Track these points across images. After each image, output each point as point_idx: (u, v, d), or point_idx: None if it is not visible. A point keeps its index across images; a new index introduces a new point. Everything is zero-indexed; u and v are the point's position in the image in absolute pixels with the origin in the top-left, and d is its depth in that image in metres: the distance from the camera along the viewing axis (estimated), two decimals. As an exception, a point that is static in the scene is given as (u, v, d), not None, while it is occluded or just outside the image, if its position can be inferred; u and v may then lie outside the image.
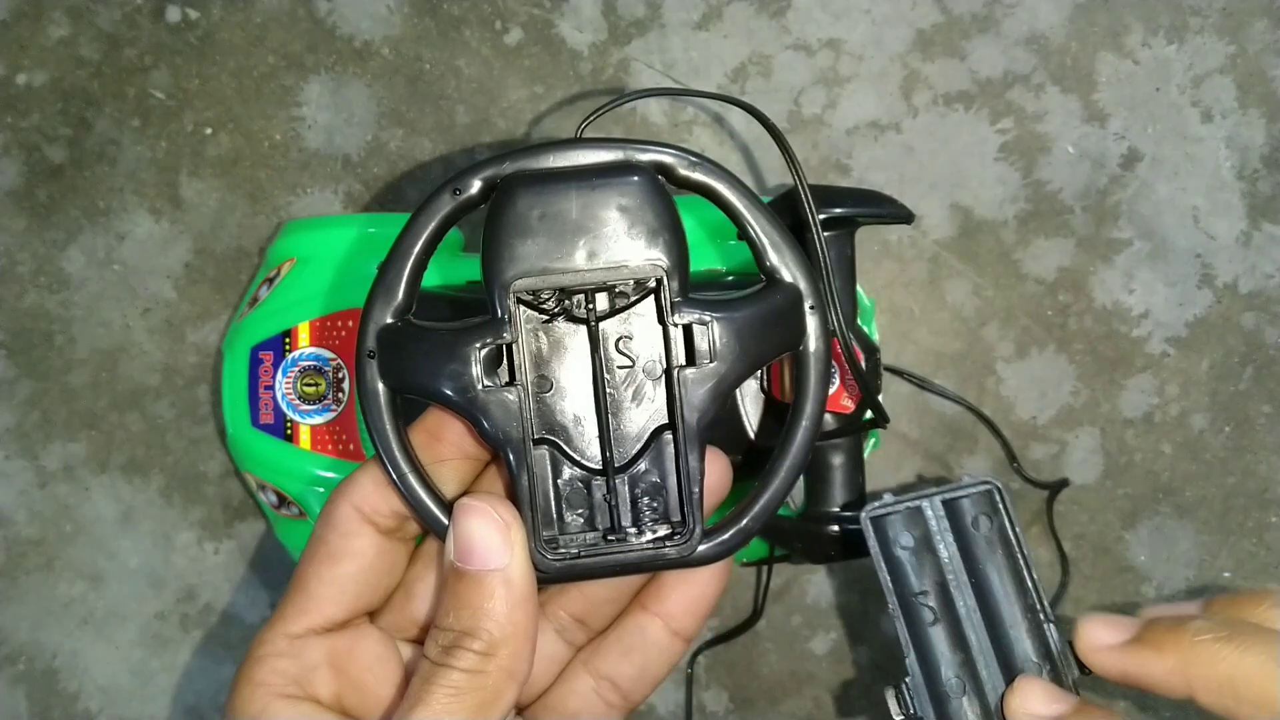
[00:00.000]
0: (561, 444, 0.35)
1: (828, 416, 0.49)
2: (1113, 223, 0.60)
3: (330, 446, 0.53)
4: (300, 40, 0.60)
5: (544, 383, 0.35)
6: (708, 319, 0.34)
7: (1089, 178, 0.60)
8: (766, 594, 0.58)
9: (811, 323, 0.35)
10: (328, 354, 0.53)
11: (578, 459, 0.35)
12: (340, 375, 0.52)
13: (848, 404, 0.49)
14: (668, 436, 0.35)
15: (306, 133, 0.60)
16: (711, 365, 0.34)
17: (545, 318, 0.35)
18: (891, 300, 0.59)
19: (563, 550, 0.34)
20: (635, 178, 0.34)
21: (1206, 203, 0.60)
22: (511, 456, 0.34)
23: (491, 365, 0.34)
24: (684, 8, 0.60)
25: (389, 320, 0.35)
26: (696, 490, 0.34)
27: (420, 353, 0.34)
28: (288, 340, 0.53)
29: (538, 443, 0.34)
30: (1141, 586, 0.61)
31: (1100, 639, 0.36)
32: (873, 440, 0.55)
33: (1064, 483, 0.59)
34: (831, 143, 0.60)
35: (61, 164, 0.60)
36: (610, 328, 0.35)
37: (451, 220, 0.35)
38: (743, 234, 0.36)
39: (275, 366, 0.53)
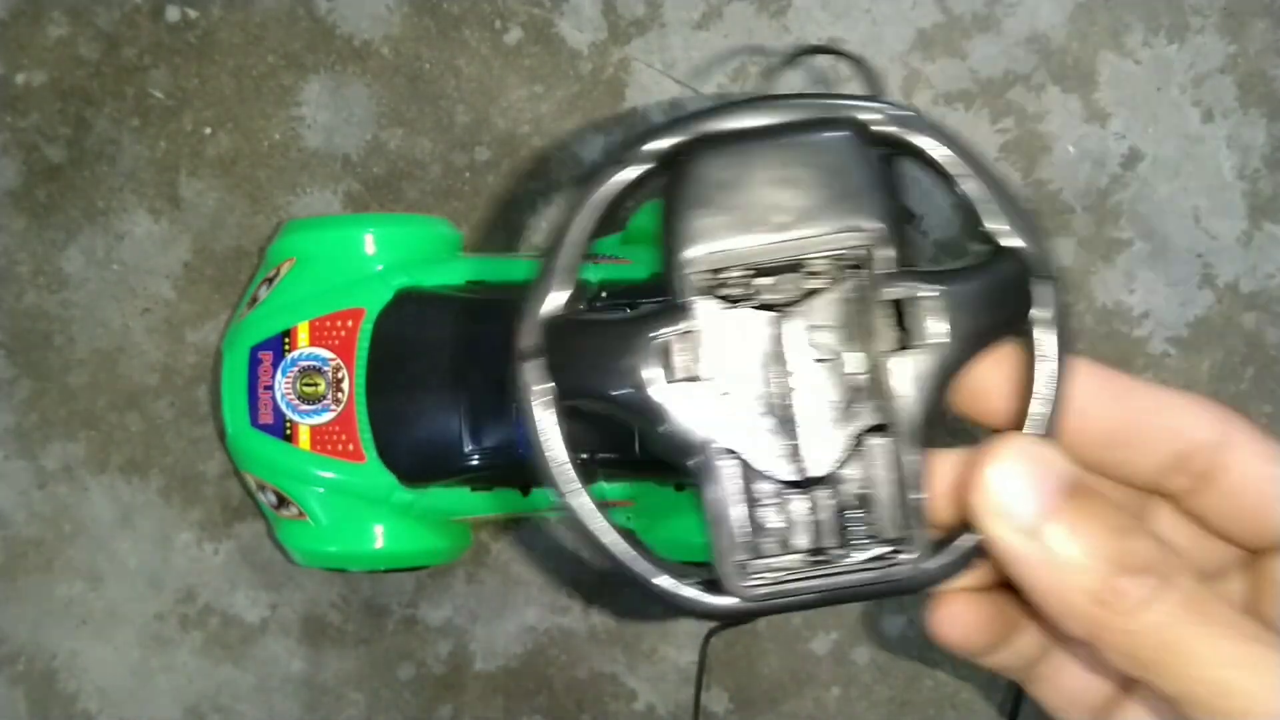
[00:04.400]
0: (749, 454, 0.30)
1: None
2: (1113, 222, 0.60)
3: (330, 447, 0.52)
4: (299, 40, 0.60)
5: (726, 382, 0.30)
6: (930, 291, 0.29)
7: (1090, 177, 0.60)
8: None
9: (1049, 295, 0.30)
10: (327, 354, 0.52)
11: (770, 471, 0.30)
12: (339, 375, 0.52)
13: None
14: (874, 440, 0.30)
15: (306, 132, 0.60)
16: (935, 344, 0.29)
17: (728, 305, 0.30)
18: (892, 300, 0.59)
19: (761, 576, 0.29)
20: (834, 134, 0.29)
21: (1207, 202, 0.60)
22: (697, 466, 0.29)
23: (669, 359, 0.29)
24: (684, 7, 0.59)
25: (553, 313, 0.30)
26: (920, 495, 0.29)
27: (586, 350, 0.29)
28: (287, 340, 0.53)
29: (725, 452, 0.30)
30: (1142, 587, 0.61)
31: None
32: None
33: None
34: (832, 142, 0.60)
35: (60, 164, 0.60)
36: (804, 315, 0.30)
37: (622, 198, 0.30)
38: (956, 195, 0.31)
39: (275, 366, 0.53)
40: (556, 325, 0.30)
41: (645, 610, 0.61)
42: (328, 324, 0.53)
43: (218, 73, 0.60)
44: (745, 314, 0.30)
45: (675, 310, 0.29)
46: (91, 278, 0.60)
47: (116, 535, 0.61)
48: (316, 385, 0.53)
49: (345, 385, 0.52)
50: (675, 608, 0.30)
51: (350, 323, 0.53)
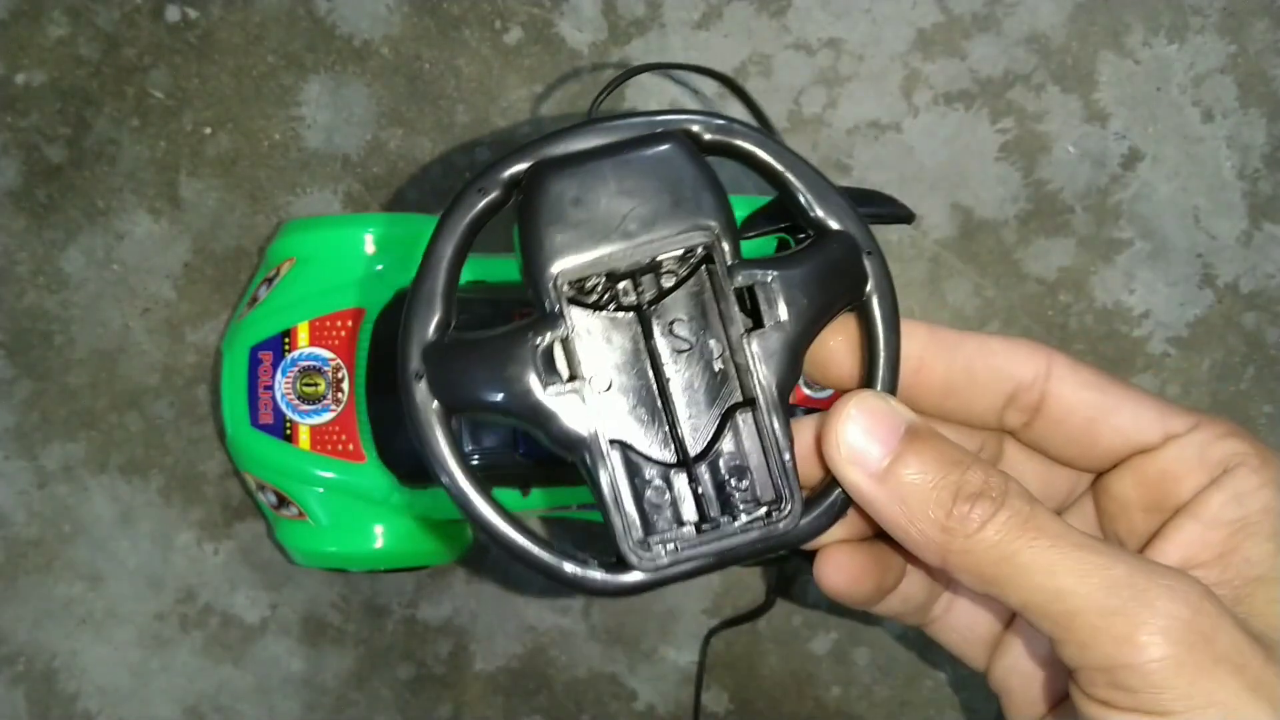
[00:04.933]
0: (632, 442, 0.33)
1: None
2: (1113, 222, 0.60)
3: (329, 447, 0.52)
4: (299, 40, 0.60)
5: (603, 380, 0.33)
6: (768, 277, 0.32)
7: (1090, 177, 0.60)
8: (779, 580, 0.58)
9: (871, 267, 0.33)
10: (327, 354, 0.52)
11: (652, 455, 0.33)
12: (339, 375, 0.52)
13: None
14: (740, 415, 0.33)
15: (306, 132, 0.60)
16: (780, 324, 0.32)
17: (592, 311, 0.33)
18: (892, 300, 0.59)
19: (657, 550, 0.32)
20: (667, 145, 0.32)
21: (1207, 202, 0.60)
22: (588, 459, 0.32)
23: (549, 365, 0.32)
24: (684, 7, 0.59)
25: (431, 337, 0.32)
26: (788, 458, 0.32)
27: (471, 364, 0.32)
28: (287, 340, 0.53)
29: (610, 442, 0.32)
30: (1142, 587, 0.61)
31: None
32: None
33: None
34: (832, 142, 0.60)
35: (60, 164, 0.60)
36: (661, 312, 0.34)
37: (480, 222, 0.33)
38: (782, 191, 0.34)
39: (274, 366, 0.53)
40: (439, 346, 0.32)
41: (645, 610, 0.61)
42: (328, 324, 0.53)
43: (218, 73, 0.60)
44: (611, 317, 0.33)
45: (549, 319, 0.32)
46: (91, 278, 0.60)
47: (116, 535, 0.61)
48: (316, 385, 0.53)
49: (345, 385, 0.52)
50: (585, 591, 0.32)
51: (350, 323, 0.53)
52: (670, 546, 0.32)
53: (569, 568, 0.32)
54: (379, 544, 0.54)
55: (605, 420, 0.32)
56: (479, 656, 0.61)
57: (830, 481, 0.33)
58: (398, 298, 0.53)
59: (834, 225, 0.34)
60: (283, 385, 0.53)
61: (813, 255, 0.33)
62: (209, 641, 0.61)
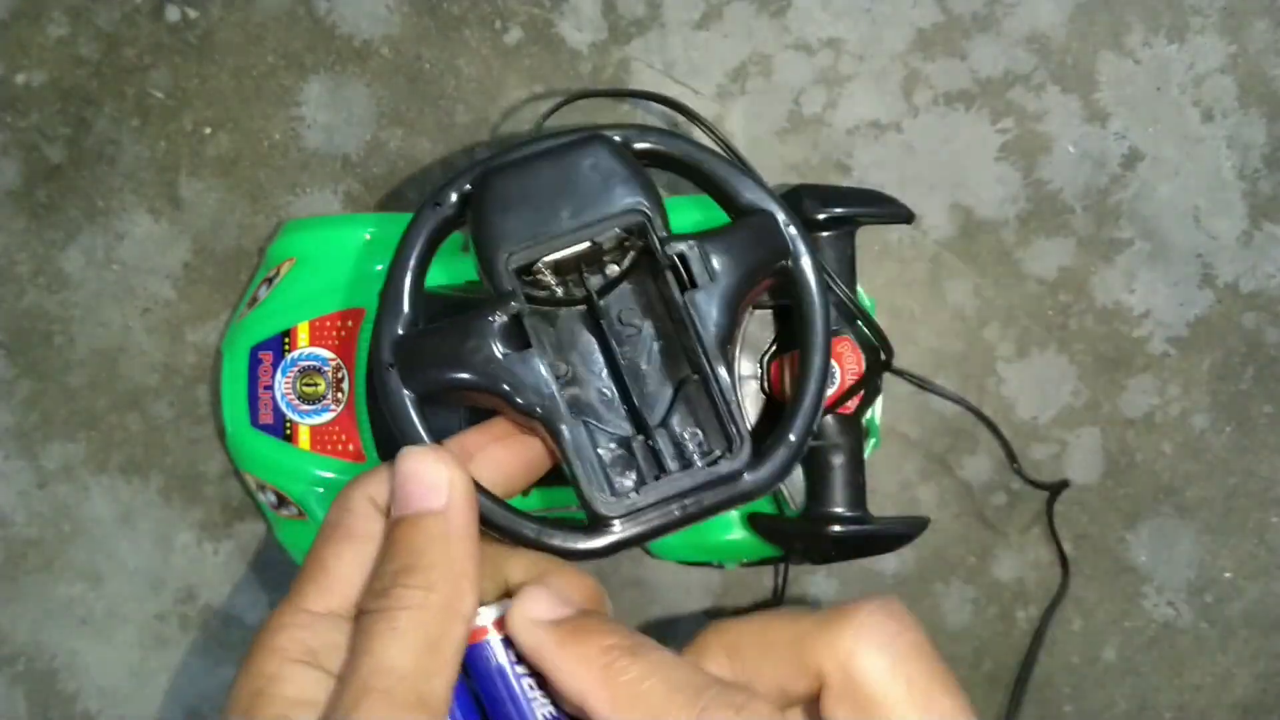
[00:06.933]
0: (594, 422, 0.36)
1: (829, 419, 0.49)
2: (1113, 222, 0.60)
3: (329, 447, 0.52)
4: (300, 40, 0.60)
5: (562, 368, 0.37)
6: (696, 245, 0.36)
7: (1090, 177, 0.60)
8: (785, 582, 0.58)
9: (794, 236, 0.37)
10: (327, 354, 0.52)
11: (613, 431, 0.36)
12: (339, 375, 0.52)
13: (849, 406, 0.49)
14: (692, 384, 0.36)
15: (306, 132, 0.60)
16: (710, 281, 0.35)
17: (546, 307, 0.37)
18: (892, 300, 0.59)
19: (620, 502, 0.35)
20: (598, 143, 0.36)
21: (1207, 202, 0.60)
22: (548, 418, 0.34)
23: (506, 338, 0.35)
24: (684, 7, 0.59)
25: (400, 333, 0.36)
26: (733, 399, 0.35)
27: (436, 348, 0.35)
28: (287, 340, 0.53)
29: (571, 409, 0.35)
30: (1142, 587, 0.61)
31: (536, 611, 0.32)
32: (873, 440, 0.55)
33: (1064, 484, 0.59)
34: (832, 142, 0.60)
35: (61, 164, 0.60)
36: (609, 304, 0.37)
37: (438, 234, 0.37)
38: (707, 187, 0.38)
39: (275, 366, 0.53)
40: (408, 338, 0.36)
41: (645, 611, 0.61)
42: (328, 324, 0.53)
43: (218, 73, 0.60)
44: (563, 314, 0.37)
45: (503, 298, 0.35)
46: (91, 278, 0.60)
47: (116, 535, 0.61)
48: (317, 385, 0.53)
49: (345, 385, 0.52)
50: (569, 557, 0.35)
51: (350, 323, 0.53)
52: (630, 499, 0.34)
53: (556, 541, 0.34)
54: (379, 544, 0.54)
55: (567, 405, 0.35)
56: (479, 656, 0.61)
57: (772, 438, 0.35)
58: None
59: (758, 206, 0.37)
60: (283, 385, 0.53)
61: (736, 227, 0.37)
62: (209, 641, 0.61)
